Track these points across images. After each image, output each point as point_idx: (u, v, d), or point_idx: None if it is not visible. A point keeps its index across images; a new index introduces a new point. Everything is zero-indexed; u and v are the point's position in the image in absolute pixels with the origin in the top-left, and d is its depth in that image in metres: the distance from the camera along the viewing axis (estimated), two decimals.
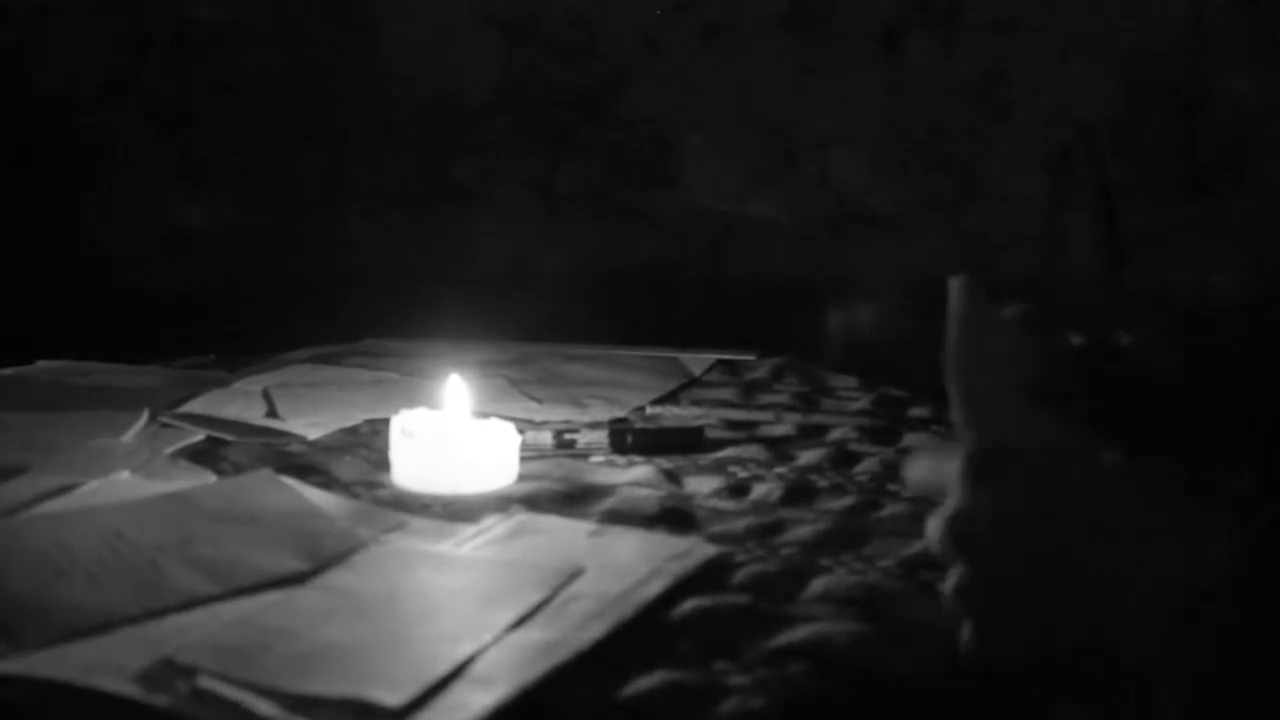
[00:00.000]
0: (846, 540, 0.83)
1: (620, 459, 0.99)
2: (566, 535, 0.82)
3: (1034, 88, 1.80)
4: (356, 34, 1.84)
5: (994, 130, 1.81)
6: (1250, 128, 1.74)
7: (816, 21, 1.81)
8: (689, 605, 0.72)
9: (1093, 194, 1.79)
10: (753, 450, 1.01)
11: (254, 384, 1.15)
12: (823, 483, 0.94)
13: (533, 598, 0.71)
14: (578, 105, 1.85)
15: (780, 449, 1.02)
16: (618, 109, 1.84)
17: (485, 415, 0.95)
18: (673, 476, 0.95)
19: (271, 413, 1.07)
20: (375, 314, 1.55)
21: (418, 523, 0.84)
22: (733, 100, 1.85)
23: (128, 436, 1.00)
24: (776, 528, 0.85)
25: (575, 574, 0.74)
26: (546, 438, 1.00)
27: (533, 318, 1.68)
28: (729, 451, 1.01)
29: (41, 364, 1.21)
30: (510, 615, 0.69)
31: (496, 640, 0.66)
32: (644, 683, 0.64)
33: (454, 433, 0.91)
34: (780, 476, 0.95)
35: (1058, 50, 1.79)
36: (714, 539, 0.82)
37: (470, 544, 0.80)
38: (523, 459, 0.94)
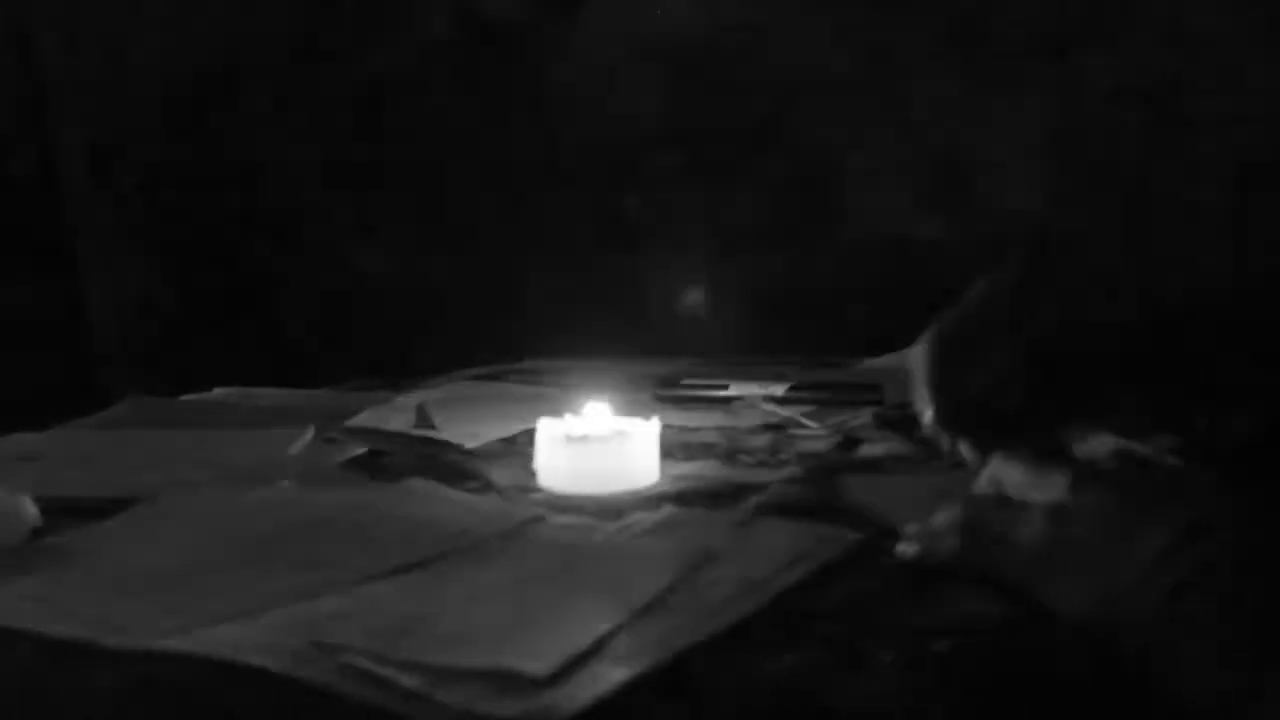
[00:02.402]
0: None
1: (772, 459, 0.98)
2: (712, 526, 0.82)
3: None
4: (524, 76, 1.88)
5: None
6: None
7: (979, 38, 1.79)
8: (836, 588, 0.72)
9: None
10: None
11: (414, 399, 1.18)
12: None
13: (668, 578, 0.71)
14: (744, 137, 1.86)
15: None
16: (784, 137, 1.84)
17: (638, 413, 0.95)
18: (825, 473, 0.94)
19: (430, 424, 1.09)
20: (540, 340, 1.57)
21: (565, 518, 0.84)
22: (897, 122, 1.83)
23: (294, 449, 1.03)
24: None
25: (711, 556, 0.74)
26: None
27: (703, 345, 1.69)
28: (884, 448, 1.00)
29: (218, 390, 1.26)
30: (646, 595, 0.69)
31: (634, 618, 0.66)
32: (787, 659, 0.63)
33: (600, 433, 0.92)
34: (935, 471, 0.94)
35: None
36: (863, 527, 0.81)
37: (616, 537, 0.81)
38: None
